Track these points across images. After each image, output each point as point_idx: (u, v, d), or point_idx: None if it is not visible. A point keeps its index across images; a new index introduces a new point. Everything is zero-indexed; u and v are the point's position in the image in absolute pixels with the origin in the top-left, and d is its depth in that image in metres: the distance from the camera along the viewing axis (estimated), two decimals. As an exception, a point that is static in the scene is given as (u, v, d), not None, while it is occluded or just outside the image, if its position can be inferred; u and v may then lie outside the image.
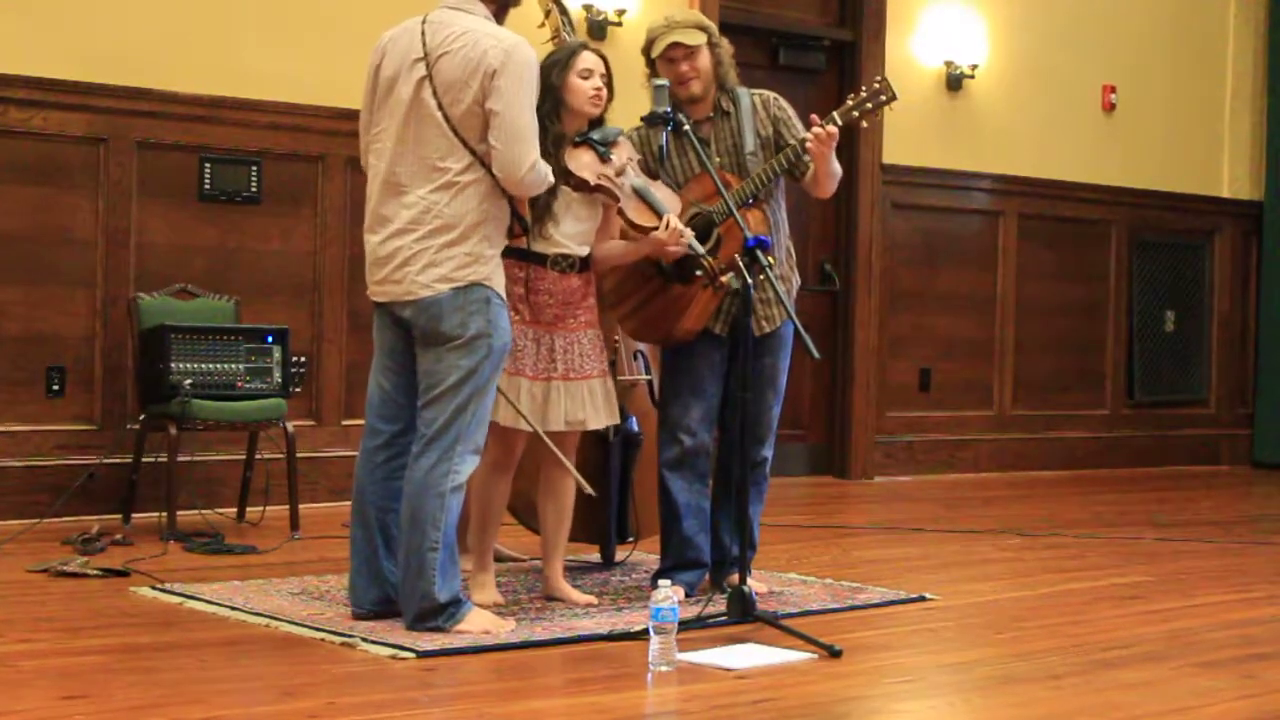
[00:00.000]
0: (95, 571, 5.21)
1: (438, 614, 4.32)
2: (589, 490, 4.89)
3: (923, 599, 5.18)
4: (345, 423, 7.08)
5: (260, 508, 6.47)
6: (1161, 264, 10.38)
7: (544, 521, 4.98)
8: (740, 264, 4.58)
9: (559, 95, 4.73)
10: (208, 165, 6.85)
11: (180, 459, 6.14)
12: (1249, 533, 7.28)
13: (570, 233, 4.77)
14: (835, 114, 4.99)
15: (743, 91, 5.11)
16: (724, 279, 4.67)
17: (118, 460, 6.45)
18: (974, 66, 9.33)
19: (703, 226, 4.94)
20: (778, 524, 6.63)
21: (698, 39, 5.00)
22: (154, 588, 4.97)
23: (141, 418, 6.33)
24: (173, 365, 6.11)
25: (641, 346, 5.61)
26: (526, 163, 4.29)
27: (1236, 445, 10.73)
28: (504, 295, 4.42)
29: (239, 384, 6.24)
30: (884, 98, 5.02)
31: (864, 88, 5.08)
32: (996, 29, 9.47)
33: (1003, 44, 9.50)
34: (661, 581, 4.12)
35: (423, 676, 3.94)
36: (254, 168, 6.96)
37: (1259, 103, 10.70)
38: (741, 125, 5.05)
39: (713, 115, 5.08)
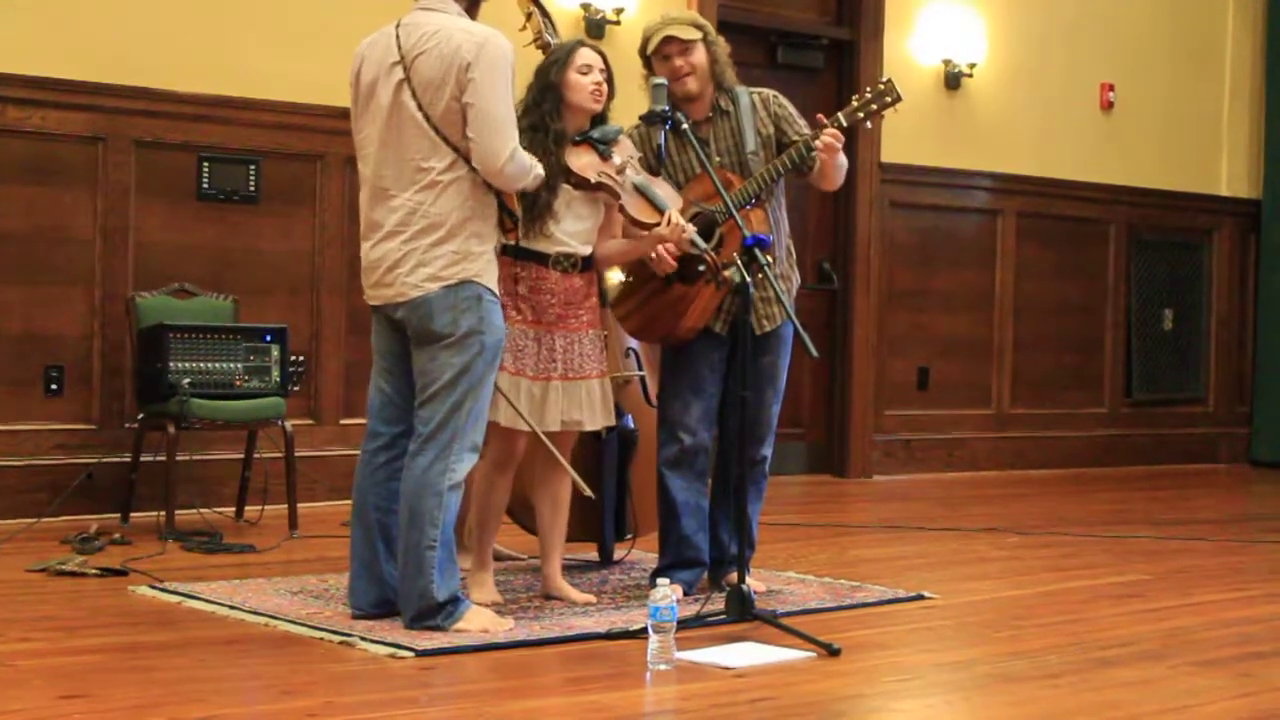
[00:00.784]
0: (94, 571, 5.21)
1: (436, 612, 4.32)
2: (588, 492, 4.89)
3: (921, 597, 5.19)
4: (344, 422, 7.08)
5: (259, 507, 6.47)
6: (1160, 262, 10.38)
7: (541, 520, 4.98)
8: (739, 263, 4.58)
9: (559, 93, 4.73)
10: (206, 164, 6.86)
11: (179, 458, 6.15)
12: (1247, 531, 7.29)
13: (572, 231, 4.77)
14: (840, 115, 4.99)
15: (741, 90, 5.11)
16: (726, 273, 4.67)
17: (116, 459, 6.45)
18: (972, 65, 9.34)
19: (704, 226, 4.94)
20: (776, 522, 6.63)
21: (692, 34, 5.01)
22: (152, 587, 4.97)
23: (140, 417, 6.33)
24: (171, 364, 6.11)
25: (634, 343, 5.61)
26: (505, 153, 4.28)
27: (1234, 444, 10.74)
28: (497, 292, 4.41)
29: (237, 383, 6.24)
30: (889, 99, 5.00)
31: (869, 89, 5.05)
32: (995, 28, 9.48)
33: (1001, 43, 9.51)
34: (660, 580, 4.12)
35: (421, 675, 3.94)
36: (252, 167, 6.96)
37: (1257, 101, 10.71)
38: (741, 124, 5.05)
39: (712, 115, 5.08)
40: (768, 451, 5.15)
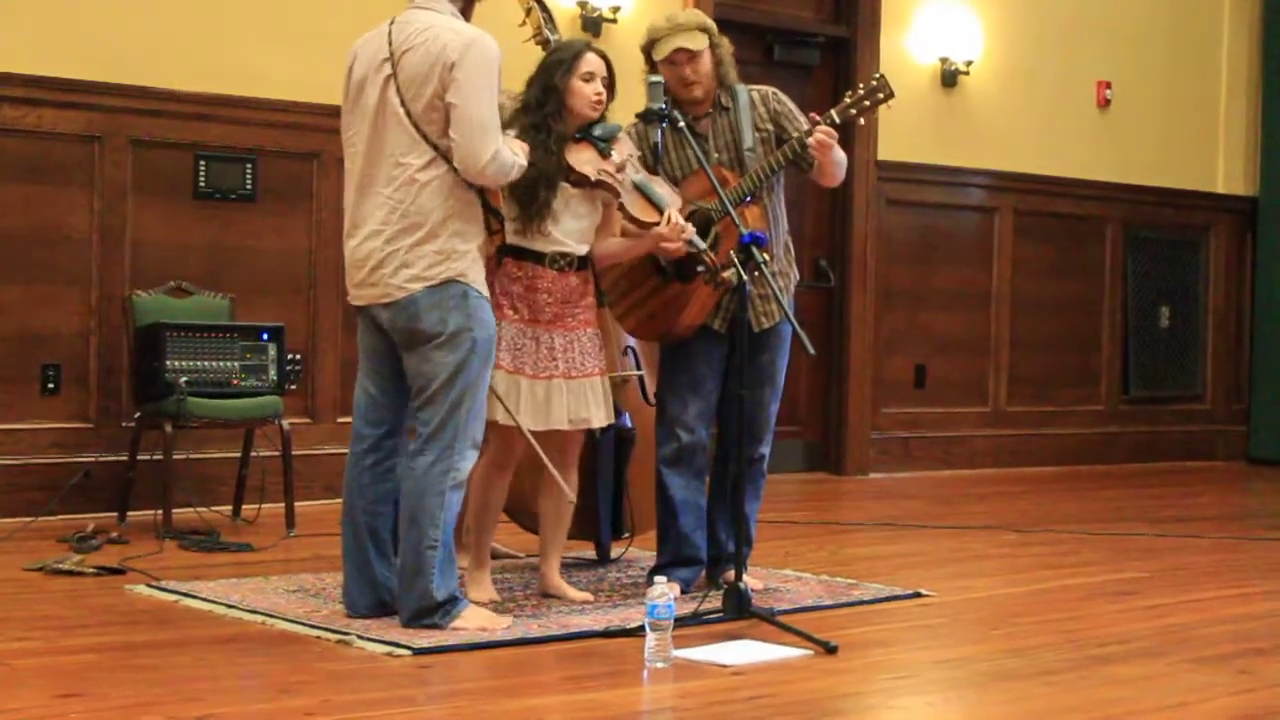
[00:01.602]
0: (91, 570, 5.21)
1: (434, 611, 4.32)
2: (571, 496, 4.88)
3: (918, 595, 5.19)
4: (341, 420, 7.07)
5: (256, 505, 6.47)
6: (1157, 259, 10.38)
7: (542, 519, 4.97)
8: (737, 261, 4.58)
9: (561, 96, 4.73)
10: (203, 163, 6.85)
11: (176, 457, 6.14)
12: (1244, 528, 7.29)
13: (569, 230, 4.76)
14: (833, 112, 4.99)
15: (741, 88, 5.11)
16: (725, 274, 4.67)
17: (113, 458, 6.45)
18: (969, 63, 9.34)
19: (701, 223, 4.94)
20: (773, 520, 6.63)
21: (701, 43, 4.99)
22: (150, 586, 4.96)
23: (137, 415, 6.33)
24: (168, 363, 6.10)
25: (632, 342, 5.61)
26: (486, 154, 4.27)
27: (1231, 441, 10.74)
28: (484, 289, 4.41)
29: (234, 382, 6.24)
30: (881, 95, 5.01)
31: (861, 85, 5.07)
32: (991, 25, 9.47)
33: (997, 40, 9.50)
34: (657, 578, 4.13)
35: (418, 674, 3.94)
36: (249, 165, 6.96)
37: (1254, 98, 10.71)
38: (740, 121, 5.05)
39: (711, 111, 5.08)
40: (766, 450, 5.15)
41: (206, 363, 6.19)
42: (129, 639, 4.27)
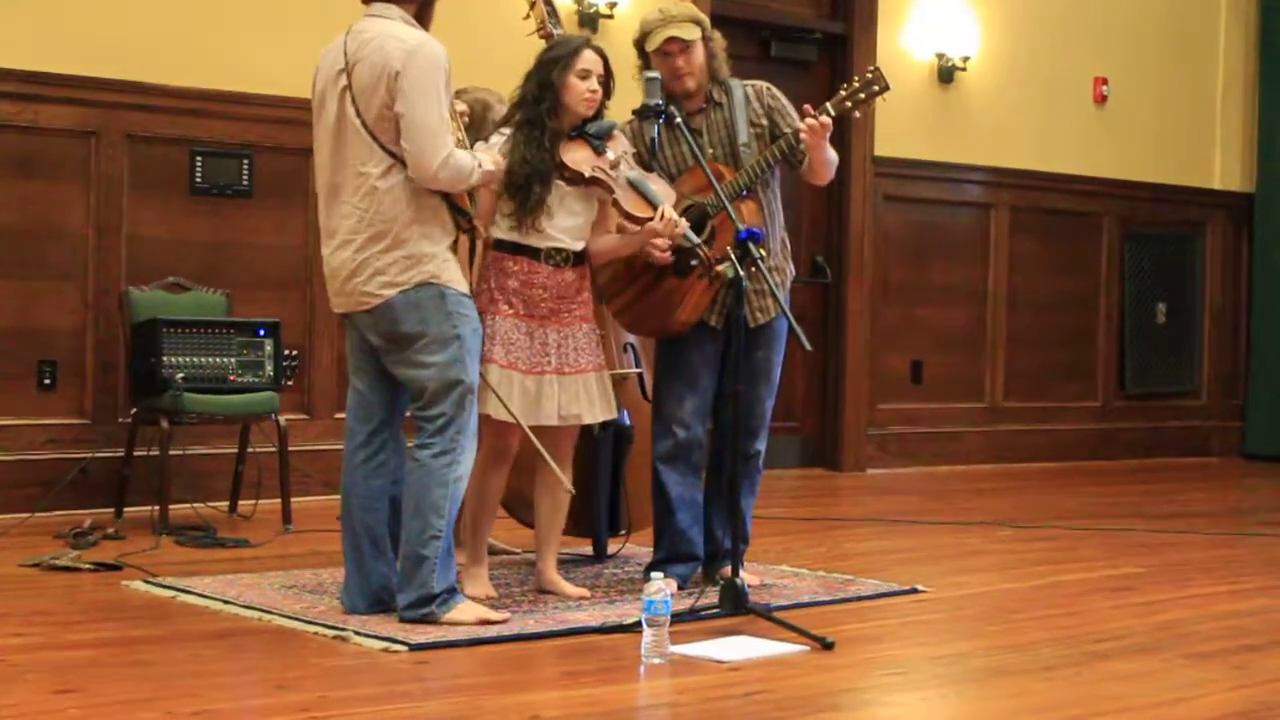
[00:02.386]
0: (87, 565, 5.21)
1: (431, 601, 4.34)
2: (569, 489, 4.88)
3: (914, 591, 5.19)
4: (338, 416, 7.05)
5: (252, 501, 6.46)
6: (1153, 256, 10.38)
7: (539, 515, 4.98)
8: (733, 256, 4.58)
9: (557, 93, 4.73)
10: (199, 158, 6.85)
11: (172, 453, 6.14)
12: (1240, 524, 7.30)
13: (564, 226, 4.77)
14: (828, 105, 5.00)
15: (735, 83, 5.11)
16: (719, 268, 4.67)
17: (109, 454, 6.45)
18: (965, 59, 9.33)
19: (696, 218, 4.94)
20: (769, 516, 6.63)
21: (693, 34, 5.00)
22: (146, 581, 4.96)
23: (133, 411, 6.32)
24: (164, 359, 6.10)
25: (632, 339, 5.61)
26: (436, 160, 4.29)
27: (1227, 437, 10.74)
28: (461, 286, 4.42)
29: (231, 377, 6.23)
30: (876, 88, 5.02)
31: (856, 78, 5.08)
32: (988, 21, 9.47)
33: (994, 36, 9.50)
34: (654, 574, 4.13)
35: (415, 669, 3.94)
36: (245, 161, 6.95)
37: (1250, 94, 10.71)
38: (734, 116, 5.05)
39: (705, 107, 5.08)
40: (761, 446, 5.15)
41: (203, 358, 6.18)
42: (126, 635, 4.27)
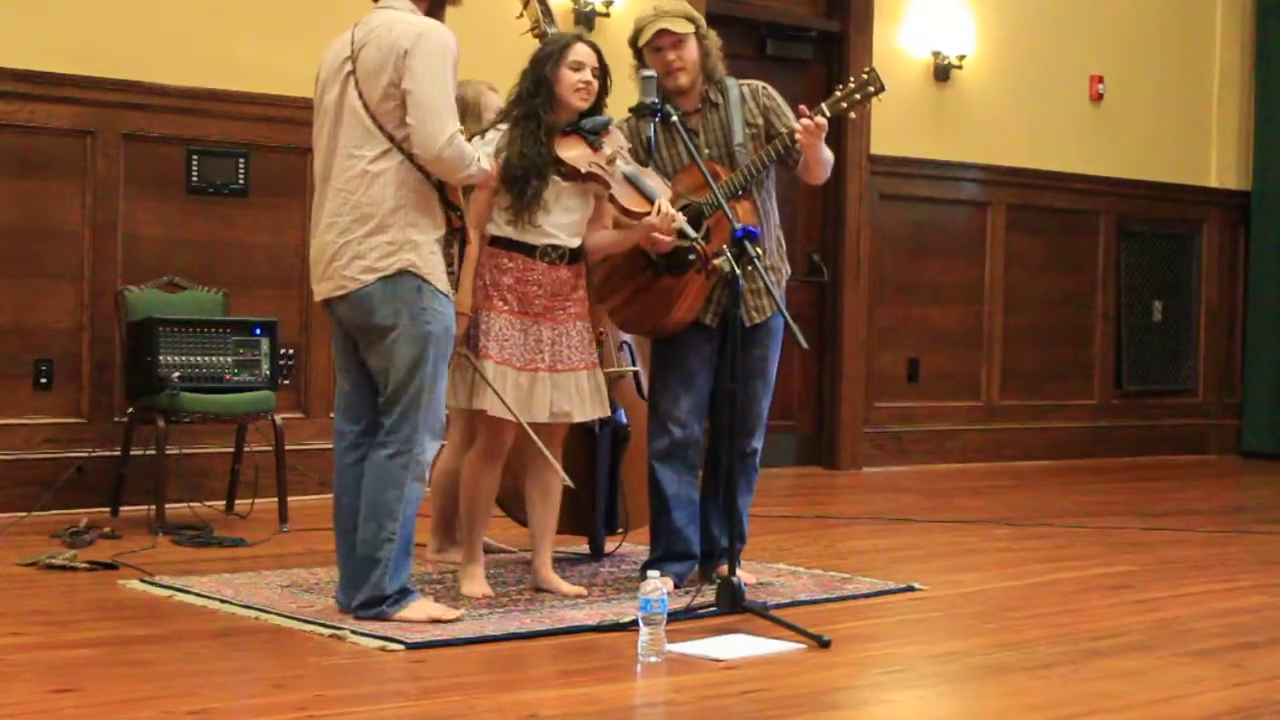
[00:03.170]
0: (84, 565, 5.20)
1: (383, 602, 4.37)
2: (568, 483, 4.88)
3: (911, 589, 5.19)
4: (334, 415, 7.05)
5: (249, 500, 6.46)
6: (1149, 254, 10.39)
7: (532, 513, 4.97)
8: (729, 254, 4.58)
9: (551, 87, 4.73)
10: (195, 157, 6.84)
11: (169, 452, 6.14)
12: (1236, 522, 7.30)
13: (561, 223, 4.77)
14: (824, 106, 5.00)
15: (731, 82, 5.11)
16: (716, 261, 4.67)
17: (106, 453, 6.44)
18: (962, 57, 9.34)
19: (692, 217, 4.94)
20: (766, 515, 6.63)
21: (685, 28, 5.01)
22: (143, 581, 4.96)
23: (130, 410, 6.32)
24: (161, 358, 6.10)
25: (628, 338, 5.61)
26: (443, 137, 4.28)
27: (1224, 435, 10.75)
28: (441, 282, 4.39)
29: (227, 376, 6.23)
30: (872, 89, 5.03)
31: (852, 79, 5.09)
32: (984, 19, 9.47)
33: (990, 34, 9.50)
34: (651, 573, 4.13)
35: (412, 668, 3.95)
36: (242, 160, 6.95)
37: (1247, 92, 10.71)
38: (730, 116, 5.05)
39: (701, 107, 5.08)
40: (758, 444, 5.15)
41: (199, 358, 6.18)
42: (122, 634, 4.27)
